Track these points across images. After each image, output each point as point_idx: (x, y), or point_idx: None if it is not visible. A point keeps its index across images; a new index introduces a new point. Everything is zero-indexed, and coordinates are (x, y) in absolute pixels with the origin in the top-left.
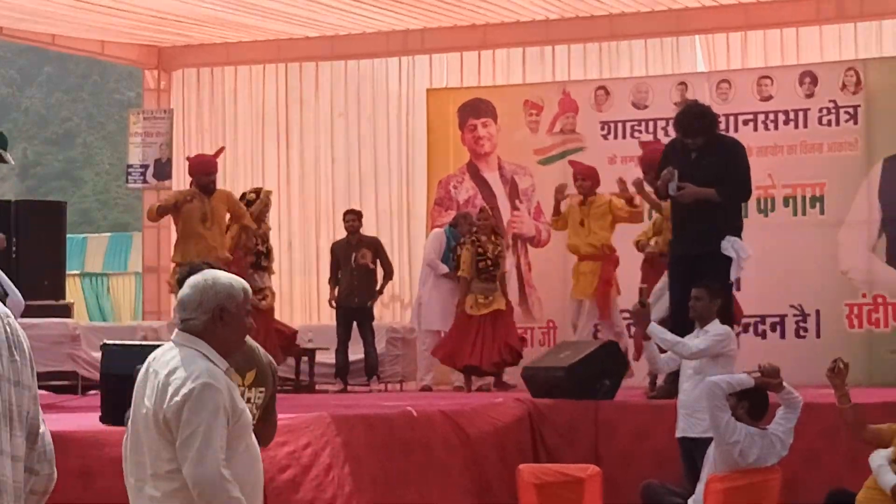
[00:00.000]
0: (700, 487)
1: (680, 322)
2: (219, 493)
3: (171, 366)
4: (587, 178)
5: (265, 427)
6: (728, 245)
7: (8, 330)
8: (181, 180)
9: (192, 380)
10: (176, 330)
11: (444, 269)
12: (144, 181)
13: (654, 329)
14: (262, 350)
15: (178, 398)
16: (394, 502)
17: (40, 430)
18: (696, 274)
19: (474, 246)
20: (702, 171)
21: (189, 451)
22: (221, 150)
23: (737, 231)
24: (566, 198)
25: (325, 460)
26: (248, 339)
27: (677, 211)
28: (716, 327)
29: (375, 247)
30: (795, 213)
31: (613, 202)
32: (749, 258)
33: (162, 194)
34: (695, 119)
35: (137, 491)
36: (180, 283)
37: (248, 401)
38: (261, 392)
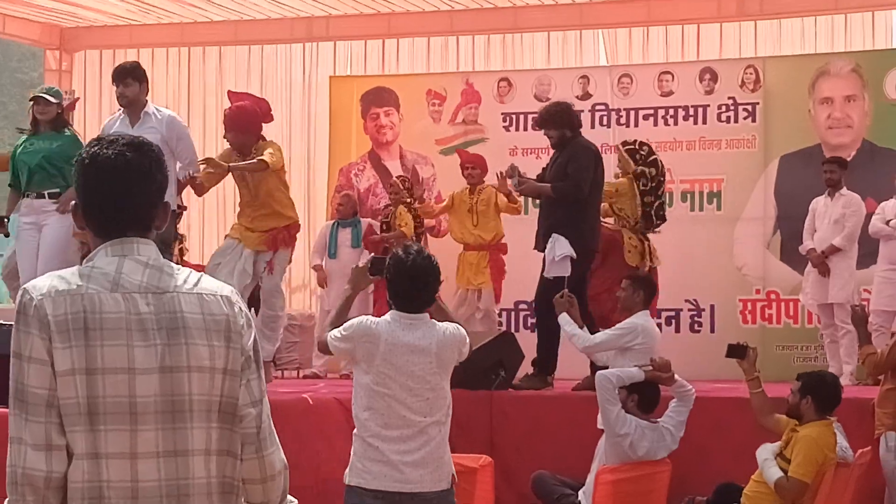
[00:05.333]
0: (590, 479)
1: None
2: None
3: None
4: (476, 167)
5: None
6: (549, 242)
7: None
8: None
9: None
10: None
11: (317, 260)
12: None
13: (562, 319)
14: None
15: None
16: (290, 487)
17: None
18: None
19: (409, 208)
20: (552, 170)
21: None
22: (76, 100)
23: (574, 230)
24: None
25: None
26: None
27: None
28: (627, 321)
29: None
30: (693, 209)
31: (498, 195)
32: (565, 257)
33: None
34: (547, 113)
35: None
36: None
37: None
38: None
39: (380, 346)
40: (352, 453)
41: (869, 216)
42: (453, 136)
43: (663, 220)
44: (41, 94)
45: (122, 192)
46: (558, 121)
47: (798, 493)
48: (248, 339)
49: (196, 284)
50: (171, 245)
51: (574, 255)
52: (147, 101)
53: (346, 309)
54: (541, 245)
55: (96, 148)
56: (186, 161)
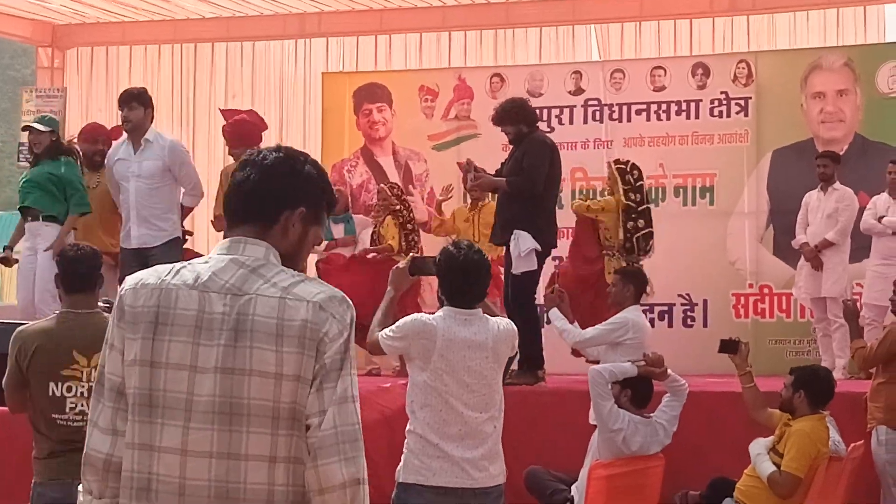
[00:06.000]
0: (583, 473)
1: None
2: None
3: None
4: (488, 191)
5: None
6: (513, 239)
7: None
8: None
9: None
10: None
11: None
12: None
13: (552, 314)
14: None
15: None
16: None
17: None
18: None
19: (397, 217)
20: (508, 165)
21: None
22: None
23: (531, 225)
24: (450, 198)
25: None
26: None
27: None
28: (618, 315)
29: None
30: (685, 203)
31: None
32: (531, 251)
33: None
34: (503, 110)
35: None
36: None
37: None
38: None
39: (437, 342)
40: (406, 450)
41: (862, 210)
42: (446, 131)
43: (649, 250)
44: (32, 125)
45: (246, 188)
46: (514, 117)
47: (791, 487)
48: (332, 349)
49: (287, 289)
50: None
51: (539, 248)
52: (151, 127)
53: (390, 310)
54: (497, 238)
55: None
56: (189, 186)
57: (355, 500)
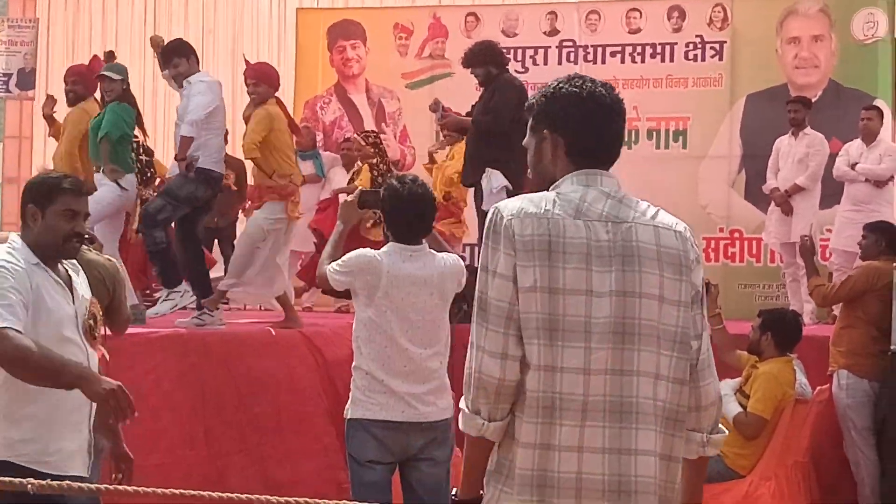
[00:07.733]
0: None
1: None
2: None
3: None
4: (455, 131)
5: (113, 324)
6: (484, 177)
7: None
8: (44, 91)
9: None
10: None
11: None
12: (7, 90)
13: None
14: (100, 261)
15: None
16: (244, 418)
17: None
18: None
19: (372, 171)
20: (479, 106)
21: None
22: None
23: (498, 163)
24: (442, 148)
25: (179, 375)
26: (85, 252)
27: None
28: None
29: (238, 170)
30: (658, 146)
31: None
32: (502, 188)
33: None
34: (472, 52)
35: None
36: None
37: None
38: None
39: (382, 277)
40: (352, 387)
41: (833, 156)
42: (420, 70)
43: None
44: (105, 73)
45: (615, 129)
46: (482, 59)
47: (757, 428)
48: (697, 275)
49: (653, 217)
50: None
51: (510, 186)
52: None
53: (340, 243)
54: (469, 177)
55: (591, 85)
56: (187, 119)
57: (719, 413)
